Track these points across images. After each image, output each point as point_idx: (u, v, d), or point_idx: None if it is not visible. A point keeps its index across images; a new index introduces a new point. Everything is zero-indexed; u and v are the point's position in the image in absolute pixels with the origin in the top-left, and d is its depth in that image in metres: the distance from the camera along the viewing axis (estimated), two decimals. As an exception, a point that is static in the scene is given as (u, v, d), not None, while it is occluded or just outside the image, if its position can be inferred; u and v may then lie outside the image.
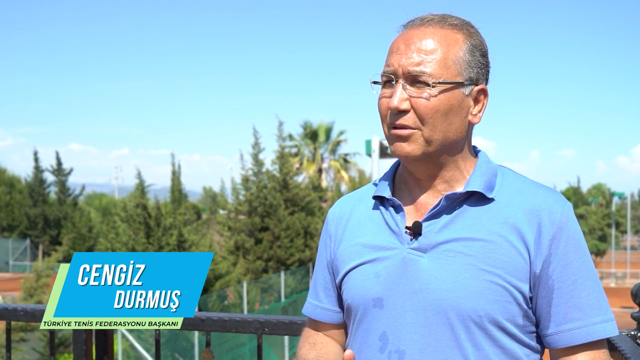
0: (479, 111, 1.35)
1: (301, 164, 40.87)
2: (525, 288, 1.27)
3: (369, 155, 13.69)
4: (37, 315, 2.32)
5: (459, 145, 1.35)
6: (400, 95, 1.29)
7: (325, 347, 1.47)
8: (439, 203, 1.32)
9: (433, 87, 1.28)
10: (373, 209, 1.43)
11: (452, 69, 1.30)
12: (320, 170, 41.38)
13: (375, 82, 1.38)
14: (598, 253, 40.17)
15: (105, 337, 2.32)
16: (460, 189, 1.34)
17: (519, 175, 1.39)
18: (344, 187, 38.67)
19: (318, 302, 1.51)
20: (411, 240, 1.33)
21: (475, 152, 1.42)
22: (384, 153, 13.38)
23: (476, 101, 1.35)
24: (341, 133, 42.91)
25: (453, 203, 1.33)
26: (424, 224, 1.32)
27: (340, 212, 1.50)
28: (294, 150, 41.17)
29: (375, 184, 1.47)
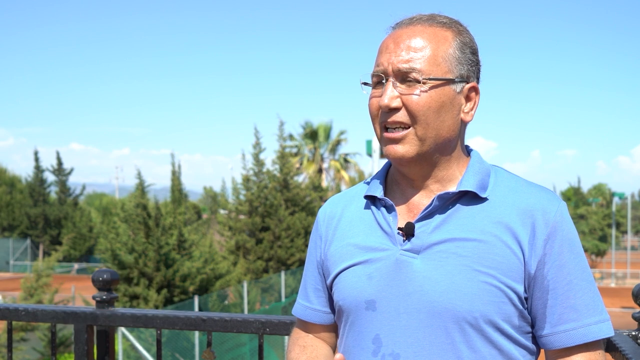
0: (471, 109, 1.34)
1: (301, 163, 40.84)
2: (520, 288, 1.26)
3: (370, 155, 13.70)
4: (38, 315, 2.33)
5: (452, 144, 1.34)
6: (390, 93, 1.29)
7: (315, 350, 1.45)
8: (431, 203, 1.31)
9: (423, 83, 1.27)
10: (364, 208, 1.41)
11: (442, 66, 1.29)
12: (320, 170, 41.36)
13: (365, 84, 1.37)
14: (598, 253, 40.11)
15: (106, 337, 2.32)
16: (453, 188, 1.33)
17: (513, 174, 1.38)
18: (344, 187, 38.64)
19: (308, 303, 1.49)
20: (404, 241, 1.31)
21: (467, 151, 1.41)
22: (384, 153, 13.38)
23: (468, 99, 1.34)
24: (341, 133, 42.89)
25: (446, 203, 1.32)
26: (417, 225, 1.31)
27: (331, 211, 1.48)
28: (294, 150, 41.13)
29: (367, 183, 1.45)
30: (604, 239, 41.53)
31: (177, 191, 21.41)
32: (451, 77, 1.30)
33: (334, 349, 1.49)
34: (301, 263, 19.53)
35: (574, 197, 48.62)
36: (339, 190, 34.62)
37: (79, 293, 17.98)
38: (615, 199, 43.73)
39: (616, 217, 44.06)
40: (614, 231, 40.46)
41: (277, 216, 19.34)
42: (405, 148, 1.29)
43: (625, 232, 50.91)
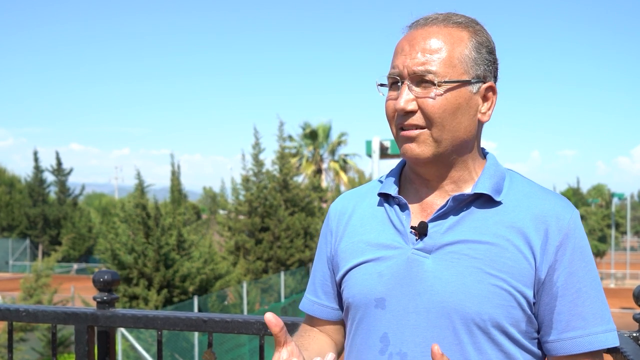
0: (488, 109, 1.34)
1: (300, 164, 40.85)
2: (530, 293, 1.26)
3: (369, 155, 13.67)
4: (39, 316, 2.32)
5: (469, 145, 1.33)
6: (406, 97, 1.28)
7: (311, 339, 1.45)
8: (446, 204, 1.30)
9: (439, 86, 1.26)
10: (377, 206, 1.41)
11: (458, 68, 1.28)
12: (319, 171, 41.37)
13: (381, 85, 1.36)
14: (598, 254, 40.12)
15: (107, 338, 2.31)
16: (468, 190, 1.33)
17: (527, 179, 1.38)
18: (343, 188, 38.62)
19: (316, 299, 1.49)
20: (416, 240, 1.31)
21: (483, 153, 1.40)
22: (384, 154, 13.37)
23: (485, 99, 1.33)
24: (342, 135, 42.90)
25: (460, 204, 1.31)
26: (430, 225, 1.31)
27: (343, 207, 1.47)
28: (294, 150, 41.12)
29: (381, 181, 1.45)
30: (603, 239, 41.52)
31: (177, 191, 21.43)
32: (467, 79, 1.29)
33: (339, 346, 1.49)
34: (301, 264, 19.53)
35: (573, 198, 48.59)
36: (338, 191, 34.59)
37: (78, 293, 17.98)
38: (615, 200, 43.70)
39: (615, 218, 44.05)
40: (613, 232, 40.46)
41: (276, 216, 19.34)
42: (421, 148, 1.29)
43: (624, 233, 50.91)
